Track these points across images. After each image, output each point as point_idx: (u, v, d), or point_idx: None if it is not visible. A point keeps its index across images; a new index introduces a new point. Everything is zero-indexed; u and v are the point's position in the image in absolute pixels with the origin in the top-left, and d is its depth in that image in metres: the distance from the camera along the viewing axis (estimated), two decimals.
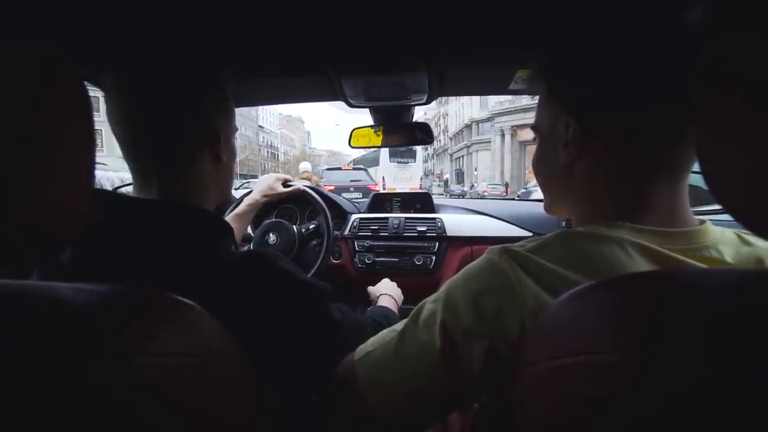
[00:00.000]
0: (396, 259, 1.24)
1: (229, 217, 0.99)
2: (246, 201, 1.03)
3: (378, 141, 1.15)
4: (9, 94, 0.23)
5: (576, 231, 0.36)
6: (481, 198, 2.78)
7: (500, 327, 0.33)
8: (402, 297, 0.93)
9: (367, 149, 1.25)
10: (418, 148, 11.21)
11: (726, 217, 0.25)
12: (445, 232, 1.24)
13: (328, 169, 10.10)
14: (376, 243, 1.26)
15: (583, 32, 0.39)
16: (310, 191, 1.15)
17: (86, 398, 0.23)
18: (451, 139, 36.14)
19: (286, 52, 0.71)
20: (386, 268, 1.23)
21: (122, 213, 0.44)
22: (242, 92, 0.95)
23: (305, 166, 3.97)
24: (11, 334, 0.23)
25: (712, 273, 0.29)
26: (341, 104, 1.02)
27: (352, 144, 1.17)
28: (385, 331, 0.42)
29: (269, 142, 55.77)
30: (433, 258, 1.22)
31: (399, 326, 0.40)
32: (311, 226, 1.16)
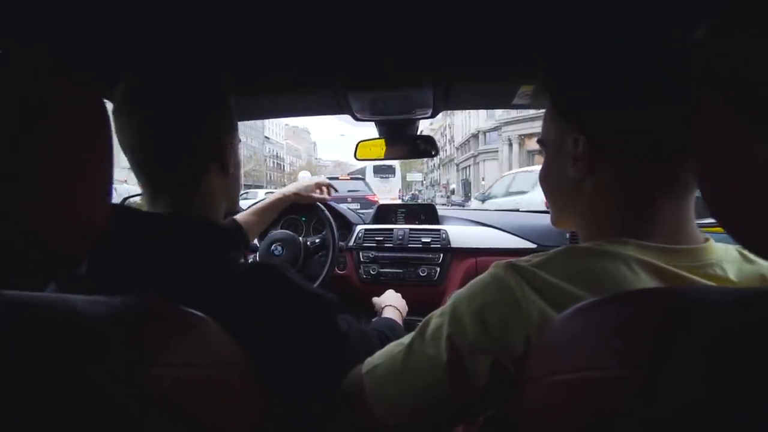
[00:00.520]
0: (400, 270, 1.26)
1: (253, 210, 1.00)
2: (276, 194, 1.05)
3: (383, 153, 1.18)
4: (31, 111, 0.24)
5: (581, 247, 0.37)
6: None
7: (506, 341, 0.34)
8: (407, 308, 0.94)
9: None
10: (397, 165, 12.39)
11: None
12: (449, 243, 1.26)
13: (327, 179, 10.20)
14: (380, 254, 1.28)
15: (586, 49, 0.40)
16: (325, 210, 1.18)
17: (100, 409, 0.23)
18: (457, 149, 36.22)
19: (294, 67, 0.74)
20: (391, 279, 1.25)
21: (133, 226, 0.45)
22: (251, 106, 0.98)
23: (304, 175, 3.95)
24: (28, 346, 0.23)
25: (717, 291, 0.30)
26: (347, 116, 1.06)
27: (357, 156, 1.20)
28: (392, 344, 0.43)
29: (275, 153, 56.41)
30: (438, 269, 1.24)
31: (406, 339, 0.41)
32: (317, 240, 1.18)
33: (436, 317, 0.40)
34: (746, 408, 0.19)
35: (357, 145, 1.19)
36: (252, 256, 1.19)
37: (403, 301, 0.96)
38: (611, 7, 0.52)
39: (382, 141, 1.15)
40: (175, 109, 0.46)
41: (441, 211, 1.43)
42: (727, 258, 0.36)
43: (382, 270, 1.26)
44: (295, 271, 1.17)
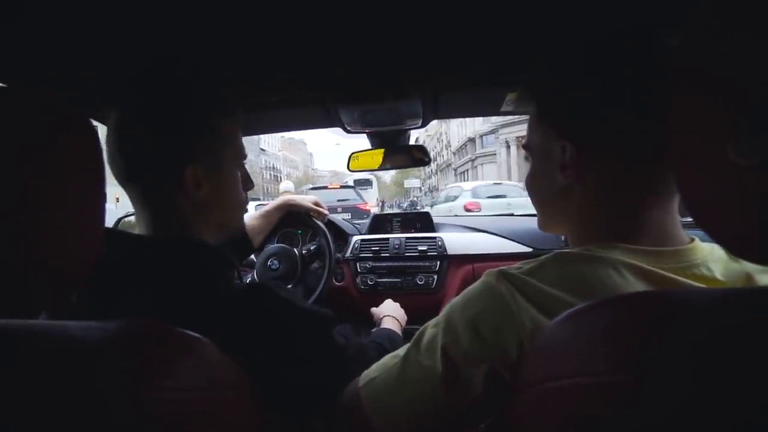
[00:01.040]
0: (398, 280, 1.27)
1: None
2: (275, 202, 1.09)
3: (376, 164, 1.20)
4: (21, 142, 0.24)
5: (571, 253, 0.37)
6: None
7: (499, 349, 0.35)
8: (405, 317, 0.95)
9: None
10: (374, 178, 12.65)
11: None
12: (445, 250, 1.27)
13: (313, 188, 9.78)
14: (377, 264, 1.29)
15: (573, 56, 0.41)
16: (323, 227, 1.19)
17: None
18: (454, 153, 36.37)
19: (283, 84, 0.76)
20: (389, 288, 1.26)
21: (124, 251, 0.46)
22: (243, 122, 1.01)
23: (287, 186, 3.76)
24: (24, 374, 0.23)
25: (703, 292, 0.30)
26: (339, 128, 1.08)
27: (350, 168, 1.22)
28: (388, 356, 0.43)
29: (271, 165, 56.55)
30: (435, 277, 1.25)
31: (401, 351, 0.42)
32: (312, 247, 1.20)
33: (430, 328, 0.40)
34: (734, 408, 0.19)
35: (350, 157, 1.21)
36: (249, 274, 1.20)
37: (402, 311, 0.97)
38: (597, 14, 0.54)
39: (375, 152, 1.18)
40: (149, 132, 0.46)
41: (436, 218, 1.44)
42: (713, 257, 0.37)
43: (379, 280, 1.28)
44: (292, 285, 1.18)
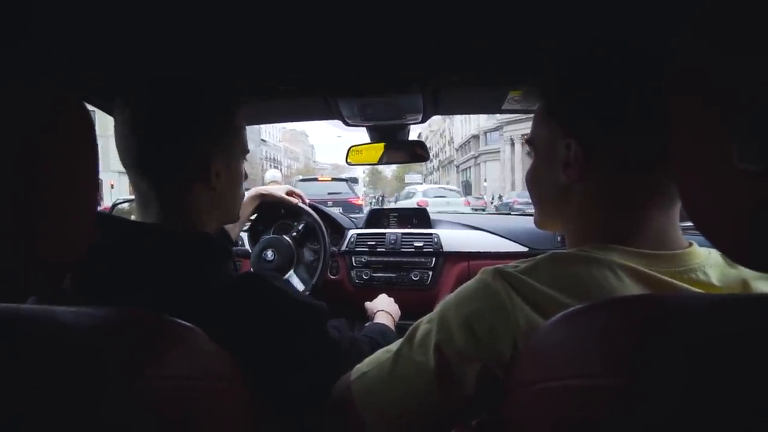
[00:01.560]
0: (393, 275, 1.28)
1: None
2: (247, 194, 1.08)
3: (375, 158, 1.21)
4: (14, 127, 0.24)
5: (567, 253, 0.38)
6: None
7: (493, 348, 0.35)
8: (399, 313, 0.96)
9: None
10: (360, 175, 12.66)
11: None
12: (441, 247, 1.28)
13: (303, 180, 9.40)
14: (373, 258, 1.30)
15: (585, 57, 0.41)
16: (305, 207, 1.20)
17: (86, 423, 0.23)
18: (457, 150, 36.26)
19: (284, 75, 0.76)
20: (383, 283, 1.27)
21: (121, 237, 0.46)
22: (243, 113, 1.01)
23: (273, 174, 3.48)
24: (10, 359, 0.23)
25: (699, 298, 0.31)
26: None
27: (349, 161, 1.23)
28: (380, 351, 0.44)
29: (272, 156, 56.46)
30: (430, 273, 1.26)
31: (394, 346, 0.42)
32: (300, 227, 1.21)
33: (424, 324, 0.40)
34: (728, 415, 0.19)
35: (349, 150, 1.22)
36: (240, 261, 1.21)
37: (396, 306, 0.98)
38: (601, 15, 0.54)
39: (374, 145, 1.18)
40: (162, 126, 0.48)
41: (433, 215, 1.45)
42: (709, 262, 0.37)
43: (374, 274, 1.29)
44: (287, 277, 1.19)
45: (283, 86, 0.82)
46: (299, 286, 1.16)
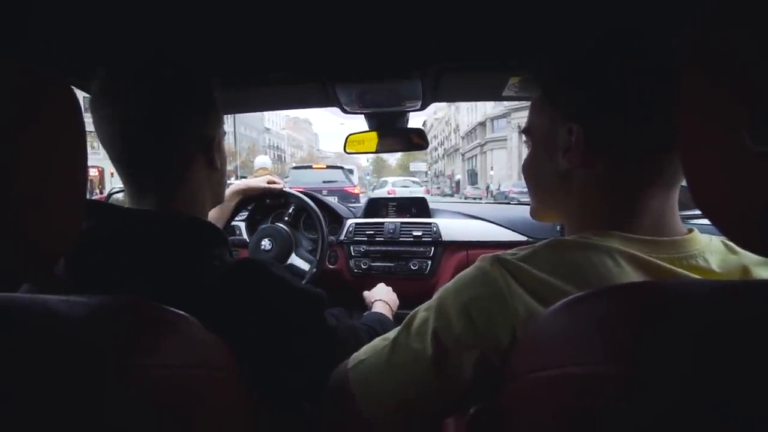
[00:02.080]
0: (392, 264, 1.29)
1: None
2: (228, 189, 1.05)
3: (373, 147, 1.20)
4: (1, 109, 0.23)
5: (567, 240, 0.38)
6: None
7: (491, 335, 0.35)
8: (397, 302, 0.97)
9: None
10: (355, 168, 13.01)
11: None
12: (440, 236, 1.29)
13: (296, 168, 9.19)
14: (371, 248, 1.31)
15: (587, 44, 0.41)
16: (302, 196, 1.20)
17: (79, 412, 0.23)
18: (463, 137, 35.94)
19: (281, 61, 0.75)
20: (382, 273, 1.28)
21: (117, 224, 0.46)
22: (238, 99, 0.99)
23: (262, 161, 3.31)
24: (4, 348, 0.23)
25: (700, 284, 0.30)
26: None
27: (347, 150, 1.22)
28: (377, 339, 0.44)
29: (275, 144, 56.42)
30: (429, 263, 1.27)
31: (392, 334, 0.42)
32: (290, 210, 1.20)
33: (422, 311, 0.40)
34: (729, 403, 0.19)
35: (347, 139, 1.21)
36: (237, 251, 1.22)
37: (394, 295, 0.99)
38: (603, 3, 0.53)
39: (373, 134, 1.17)
40: (156, 106, 0.47)
41: (432, 204, 1.45)
42: (710, 249, 0.37)
43: (373, 264, 1.30)
44: (284, 266, 1.19)
45: (281, 72, 0.81)
46: (304, 267, 1.17)
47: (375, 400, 0.40)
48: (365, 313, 0.85)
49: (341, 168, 8.17)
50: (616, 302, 0.27)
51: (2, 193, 0.23)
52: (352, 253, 1.31)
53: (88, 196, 0.34)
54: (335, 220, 1.37)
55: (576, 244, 0.36)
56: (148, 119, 0.47)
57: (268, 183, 1.12)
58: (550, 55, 0.46)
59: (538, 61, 0.49)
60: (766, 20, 0.21)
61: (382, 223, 1.34)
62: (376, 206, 1.46)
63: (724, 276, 0.36)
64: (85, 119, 0.29)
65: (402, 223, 1.34)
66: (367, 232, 1.32)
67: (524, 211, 1.35)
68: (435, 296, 0.40)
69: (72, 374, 0.24)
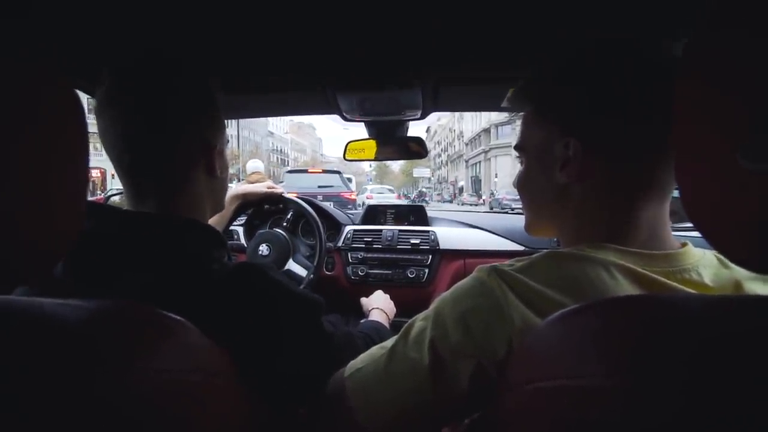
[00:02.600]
0: (389, 272, 1.30)
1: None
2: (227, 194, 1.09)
3: (372, 154, 1.22)
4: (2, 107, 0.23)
5: (563, 252, 0.38)
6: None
7: (488, 345, 0.35)
8: (394, 310, 0.98)
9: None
10: (354, 177, 13.01)
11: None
12: (438, 245, 1.30)
13: (291, 172, 8.90)
14: (369, 255, 1.32)
15: (582, 53, 0.42)
16: (301, 202, 1.22)
17: (73, 415, 0.23)
18: (466, 144, 36.00)
19: (283, 67, 0.76)
20: (379, 280, 1.29)
21: (115, 226, 0.46)
22: (240, 104, 1.01)
23: (255, 165, 3.24)
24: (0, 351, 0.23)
25: (695, 298, 0.31)
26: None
27: (346, 157, 1.23)
28: (375, 347, 0.44)
29: (279, 148, 56.71)
30: (426, 271, 1.28)
31: (389, 343, 0.42)
32: (288, 215, 1.21)
33: (419, 320, 0.41)
34: (724, 418, 0.20)
35: (346, 146, 1.23)
36: (236, 256, 1.23)
37: (391, 303, 0.99)
38: (601, 14, 0.55)
39: (372, 142, 1.18)
40: (159, 110, 0.47)
41: (430, 212, 1.46)
42: (703, 263, 0.38)
43: (370, 271, 1.30)
44: (287, 267, 1.19)
45: (282, 77, 0.82)
46: (301, 273, 1.18)
47: (371, 409, 0.40)
48: (362, 321, 0.86)
49: (338, 173, 7.98)
50: (611, 315, 0.27)
51: (3, 194, 0.23)
52: (350, 260, 1.32)
53: (89, 197, 0.34)
54: (333, 226, 1.38)
55: (572, 257, 0.37)
56: (148, 121, 0.47)
57: (268, 188, 1.14)
58: (547, 67, 0.46)
59: (529, 74, 0.49)
60: (762, 31, 0.21)
61: (380, 231, 1.35)
62: (374, 213, 1.47)
63: (717, 290, 0.37)
64: (89, 121, 0.29)
65: (400, 230, 1.35)
66: (365, 239, 1.34)
67: (521, 221, 1.35)
68: (432, 306, 0.41)
69: (68, 377, 0.24)
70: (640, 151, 0.38)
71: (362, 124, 1.14)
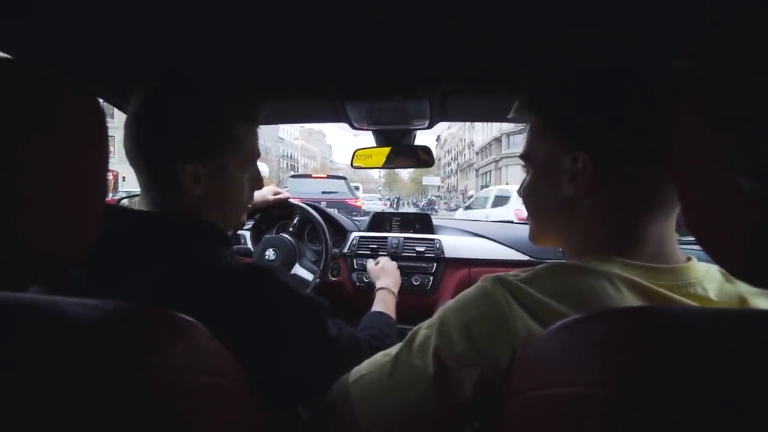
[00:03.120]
0: None
1: None
2: None
3: (380, 162, 1.24)
4: (25, 116, 0.24)
5: (568, 264, 0.38)
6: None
7: (491, 355, 0.36)
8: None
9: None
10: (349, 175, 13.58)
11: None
12: (443, 253, 1.30)
13: (294, 176, 8.93)
14: None
15: (595, 68, 0.42)
16: (308, 208, 1.24)
17: (83, 414, 0.24)
18: (477, 153, 35.92)
19: (293, 76, 0.79)
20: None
21: (128, 225, 0.49)
22: None
23: (261, 169, 3.36)
24: (12, 347, 0.24)
25: (699, 311, 0.31)
26: None
27: (354, 164, 1.26)
28: (379, 354, 0.45)
29: (289, 154, 57.23)
30: (431, 279, 1.28)
31: (393, 350, 0.43)
32: (295, 221, 1.22)
33: (424, 329, 0.41)
34: (723, 428, 0.20)
35: (354, 153, 1.25)
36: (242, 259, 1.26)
37: (398, 273, 1.04)
38: (610, 24, 0.56)
39: (380, 150, 1.21)
40: (162, 125, 0.50)
41: (436, 220, 1.47)
42: (708, 278, 0.38)
43: None
44: (292, 272, 1.20)
45: (291, 87, 0.84)
46: (307, 277, 1.19)
47: (374, 416, 0.41)
48: (367, 313, 0.86)
49: (344, 179, 7.79)
50: (614, 325, 0.28)
51: (23, 198, 0.24)
52: (355, 266, 1.34)
53: None
54: (339, 232, 1.40)
55: (577, 269, 0.37)
56: (150, 135, 0.51)
57: (274, 195, 1.16)
58: (554, 81, 0.47)
59: (535, 87, 0.49)
60: (759, 50, 0.22)
61: (386, 238, 1.37)
62: (380, 220, 1.49)
63: (722, 305, 0.37)
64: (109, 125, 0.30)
65: (405, 238, 1.36)
66: (371, 246, 1.35)
67: (527, 231, 1.35)
68: (437, 314, 0.41)
69: (80, 375, 0.24)
70: (650, 168, 0.39)
71: (371, 132, 1.17)
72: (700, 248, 0.27)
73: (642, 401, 0.22)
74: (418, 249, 1.33)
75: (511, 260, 1.25)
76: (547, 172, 0.45)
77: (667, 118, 0.29)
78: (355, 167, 1.27)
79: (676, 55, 0.56)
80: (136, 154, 0.52)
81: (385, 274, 1.02)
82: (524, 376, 0.31)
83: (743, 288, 0.38)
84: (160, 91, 0.52)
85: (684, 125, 0.27)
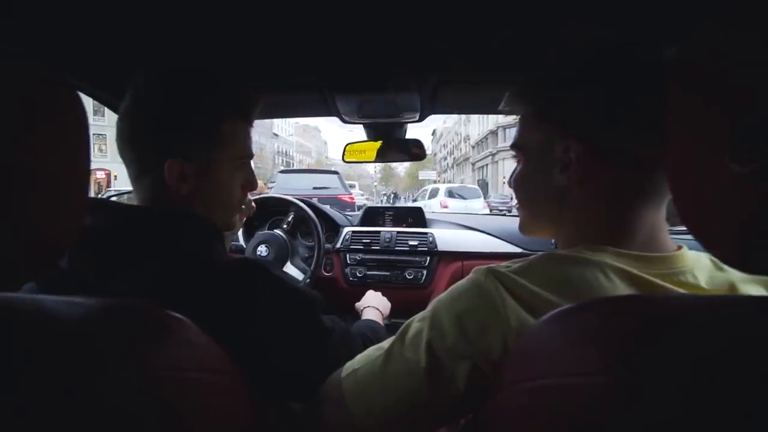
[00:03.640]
0: (387, 273, 1.32)
1: None
2: None
3: (372, 156, 1.24)
4: (4, 106, 0.24)
5: (560, 254, 0.39)
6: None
7: (484, 346, 0.36)
8: (389, 306, 0.99)
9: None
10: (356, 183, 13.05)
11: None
12: (436, 246, 1.31)
13: (283, 172, 8.55)
14: (367, 256, 1.34)
15: (586, 55, 0.42)
16: (301, 204, 1.24)
17: (76, 413, 0.23)
18: (473, 147, 35.92)
19: (282, 70, 0.78)
20: (377, 281, 1.30)
21: (118, 219, 0.49)
22: None
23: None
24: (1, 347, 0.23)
25: (689, 299, 0.32)
26: None
27: (345, 159, 1.26)
28: (372, 348, 0.44)
29: (284, 150, 56.98)
30: (424, 272, 1.30)
31: (386, 344, 0.42)
32: (289, 219, 1.22)
33: (416, 322, 0.41)
34: (719, 419, 0.20)
35: (345, 148, 1.25)
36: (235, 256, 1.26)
37: (385, 300, 1.00)
38: (601, 17, 0.56)
39: (372, 144, 1.20)
40: (145, 119, 0.51)
41: (428, 214, 1.48)
42: (698, 266, 0.39)
43: (369, 272, 1.32)
44: (283, 269, 1.20)
45: (280, 81, 0.84)
46: (298, 276, 1.20)
47: (367, 409, 0.41)
48: (356, 322, 0.87)
49: (336, 173, 7.40)
50: (606, 314, 0.28)
51: (4, 191, 0.24)
52: (348, 261, 1.34)
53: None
54: (332, 227, 1.40)
55: (569, 259, 0.37)
56: (146, 121, 0.51)
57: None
58: (545, 70, 0.47)
59: (527, 76, 0.49)
60: (754, 38, 0.22)
61: (379, 232, 1.37)
62: (372, 215, 1.49)
63: (712, 292, 0.38)
64: (93, 122, 0.31)
65: (398, 232, 1.37)
66: (364, 241, 1.36)
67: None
68: (429, 307, 0.41)
69: (70, 375, 0.24)
70: (643, 158, 0.39)
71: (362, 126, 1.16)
72: (691, 237, 0.27)
73: (636, 390, 0.22)
74: (411, 243, 1.33)
75: (504, 252, 1.26)
76: (538, 161, 0.45)
77: (660, 106, 0.29)
78: (347, 161, 1.26)
79: (669, 43, 0.56)
80: (125, 149, 0.52)
81: (369, 300, 1.00)
82: (517, 367, 0.32)
83: (733, 275, 0.38)
84: (144, 85, 0.52)
85: (677, 113, 0.27)
